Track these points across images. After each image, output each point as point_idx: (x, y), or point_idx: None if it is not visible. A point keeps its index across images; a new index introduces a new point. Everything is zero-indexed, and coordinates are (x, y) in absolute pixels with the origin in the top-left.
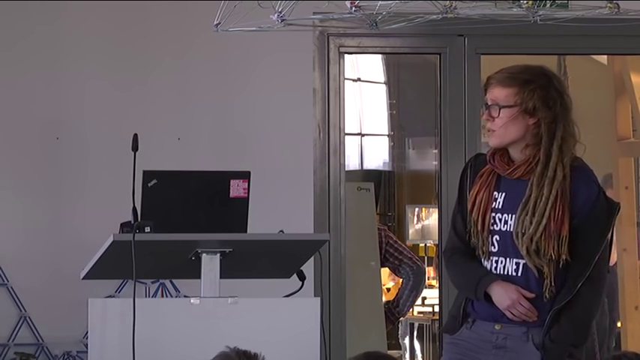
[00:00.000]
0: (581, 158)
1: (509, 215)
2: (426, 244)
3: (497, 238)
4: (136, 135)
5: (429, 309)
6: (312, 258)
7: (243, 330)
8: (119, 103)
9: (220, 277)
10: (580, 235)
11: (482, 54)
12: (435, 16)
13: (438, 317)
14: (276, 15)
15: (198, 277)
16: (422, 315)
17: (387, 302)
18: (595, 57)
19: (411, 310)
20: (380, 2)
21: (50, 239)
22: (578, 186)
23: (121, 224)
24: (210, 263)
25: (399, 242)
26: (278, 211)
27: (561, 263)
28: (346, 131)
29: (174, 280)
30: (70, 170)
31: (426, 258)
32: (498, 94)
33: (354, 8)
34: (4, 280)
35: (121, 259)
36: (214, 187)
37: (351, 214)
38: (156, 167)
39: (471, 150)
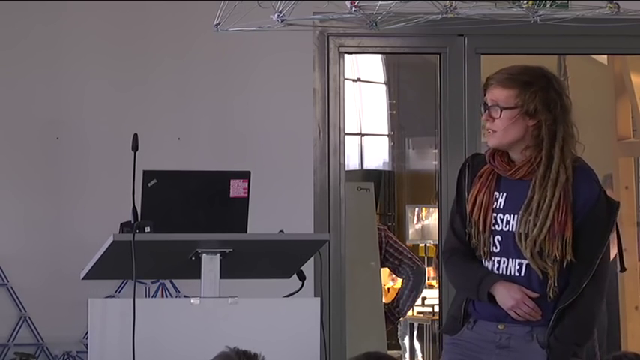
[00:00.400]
0: (581, 158)
1: (511, 215)
2: (426, 244)
3: (499, 239)
4: (136, 135)
5: (429, 309)
6: (312, 258)
7: (243, 330)
8: (119, 103)
9: (220, 277)
10: (582, 234)
11: (483, 54)
12: (435, 16)
13: (438, 317)
14: (276, 15)
15: (198, 277)
16: (422, 315)
17: (387, 302)
18: (595, 57)
19: (411, 310)
20: (380, 2)
21: (50, 239)
22: (579, 186)
23: (121, 224)
24: (210, 263)
25: (399, 242)
26: (278, 211)
27: (565, 263)
28: (346, 131)
29: (174, 280)
30: (70, 170)
31: (425, 258)
32: (498, 95)
33: (354, 8)
34: (4, 280)
35: (121, 259)
36: (214, 187)
37: (351, 214)
38: (156, 167)
39: (471, 150)
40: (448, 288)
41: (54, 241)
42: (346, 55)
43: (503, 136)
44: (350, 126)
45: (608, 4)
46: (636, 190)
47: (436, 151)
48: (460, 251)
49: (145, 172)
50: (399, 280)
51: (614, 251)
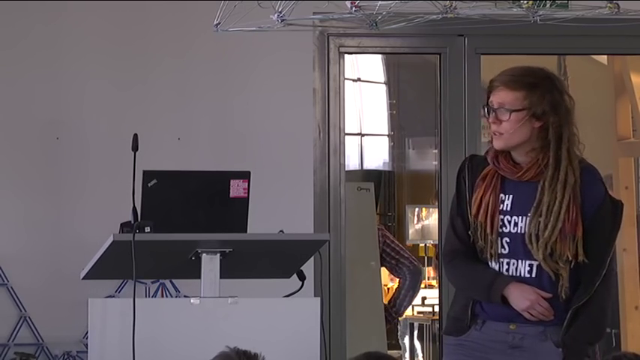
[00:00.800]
0: (584, 159)
1: (519, 217)
2: (426, 244)
3: (508, 240)
4: (135, 135)
5: (429, 309)
6: (312, 258)
7: (243, 330)
8: (119, 103)
9: (220, 277)
10: (592, 234)
11: (483, 54)
12: (435, 16)
13: (438, 317)
14: (276, 15)
15: (198, 277)
16: (422, 315)
17: (384, 302)
18: (595, 57)
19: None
20: (380, 2)
21: (50, 239)
22: (587, 187)
23: (121, 224)
24: (210, 263)
25: (397, 242)
26: (278, 211)
27: (572, 263)
28: (346, 131)
29: (174, 280)
30: (70, 170)
31: (425, 258)
32: (505, 97)
33: (354, 8)
34: (4, 280)
35: (121, 259)
36: (214, 187)
37: (351, 214)
38: (156, 167)
39: (471, 150)
40: (448, 288)
41: (54, 241)
42: (346, 55)
43: (510, 138)
44: (350, 126)
45: (608, 4)
46: (636, 190)
47: (436, 151)
48: (462, 253)
49: (145, 172)
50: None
51: None
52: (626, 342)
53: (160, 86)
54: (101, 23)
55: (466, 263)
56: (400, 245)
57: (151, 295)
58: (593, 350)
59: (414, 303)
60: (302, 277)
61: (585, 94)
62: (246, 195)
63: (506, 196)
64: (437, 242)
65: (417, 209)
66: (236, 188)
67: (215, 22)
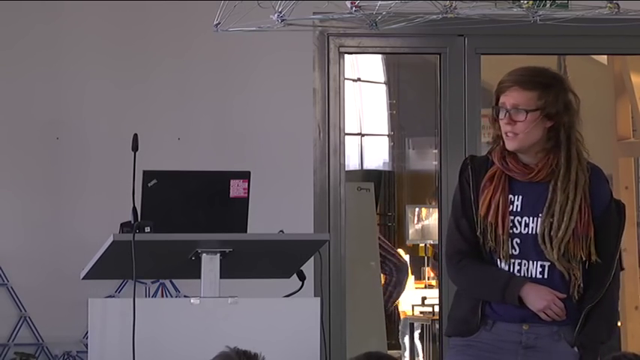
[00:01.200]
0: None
1: (530, 218)
2: (426, 244)
3: (518, 241)
4: (135, 135)
5: (429, 309)
6: (312, 258)
7: (243, 330)
8: (119, 103)
9: (220, 277)
10: (601, 234)
11: (483, 54)
12: (435, 16)
13: (438, 317)
14: (276, 15)
15: (198, 277)
16: (422, 315)
17: None
18: (595, 57)
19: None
20: (380, 2)
21: (50, 239)
22: (595, 188)
23: (121, 224)
24: (210, 263)
25: (383, 239)
26: (278, 211)
27: (587, 264)
28: (346, 131)
29: (174, 280)
30: (70, 170)
31: (425, 258)
32: (519, 97)
33: (354, 8)
34: (4, 280)
35: (121, 259)
36: (214, 187)
37: (351, 214)
38: (156, 167)
39: (471, 150)
40: (448, 288)
41: (54, 241)
42: (346, 55)
43: (525, 138)
44: (350, 126)
45: (608, 4)
46: (636, 190)
47: (436, 151)
48: (469, 254)
49: (145, 172)
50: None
51: None
52: (626, 342)
53: (160, 86)
54: (101, 23)
55: (476, 265)
56: (388, 243)
57: (151, 295)
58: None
59: (413, 303)
60: (302, 277)
61: (585, 94)
62: (246, 195)
63: (515, 196)
64: (437, 242)
65: (417, 209)
66: (236, 188)
67: (215, 22)
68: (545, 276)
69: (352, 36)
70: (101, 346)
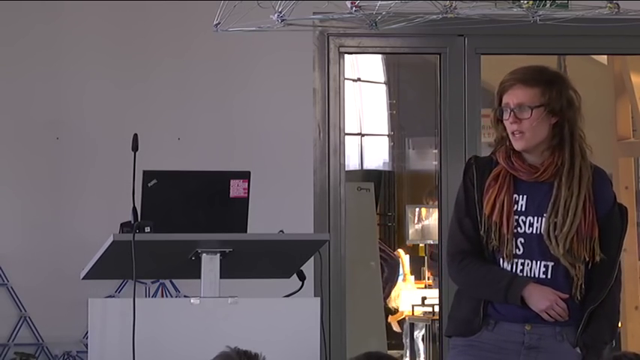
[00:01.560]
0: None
1: (535, 218)
2: (426, 244)
3: (522, 241)
4: (135, 135)
5: (429, 309)
6: (312, 258)
7: (243, 330)
8: (119, 103)
9: (220, 277)
10: (604, 235)
11: (483, 54)
12: (435, 16)
13: (438, 317)
14: (276, 15)
15: (198, 277)
16: (422, 315)
17: None
18: (595, 57)
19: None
20: (380, 2)
21: (50, 239)
22: (599, 188)
23: (121, 224)
24: (210, 263)
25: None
26: (278, 211)
27: (589, 265)
28: (346, 131)
29: (174, 280)
30: (70, 170)
31: (425, 258)
32: (523, 95)
33: (354, 8)
34: (4, 280)
35: (121, 259)
36: (214, 187)
37: (351, 214)
38: (156, 167)
39: (471, 150)
40: (448, 288)
41: (54, 241)
42: (346, 55)
43: (532, 137)
44: (350, 126)
45: (608, 4)
46: (636, 190)
47: (436, 151)
48: (472, 253)
49: (145, 172)
50: None
51: None
52: (626, 342)
53: (160, 86)
54: (101, 23)
55: (477, 264)
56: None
57: (151, 295)
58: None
59: (413, 303)
60: (302, 277)
61: (585, 94)
62: (246, 195)
63: (520, 196)
64: (437, 242)
65: (417, 209)
66: (236, 188)
67: (215, 22)
68: (549, 276)
69: (352, 36)
70: (101, 346)
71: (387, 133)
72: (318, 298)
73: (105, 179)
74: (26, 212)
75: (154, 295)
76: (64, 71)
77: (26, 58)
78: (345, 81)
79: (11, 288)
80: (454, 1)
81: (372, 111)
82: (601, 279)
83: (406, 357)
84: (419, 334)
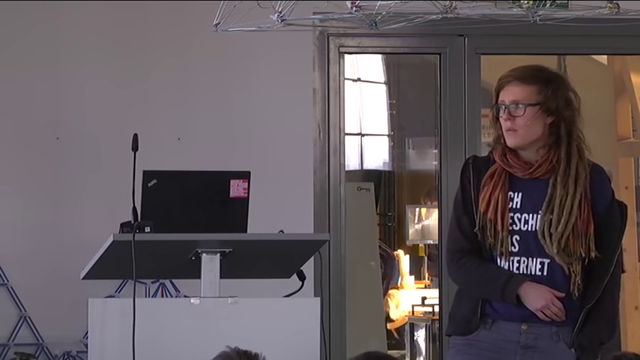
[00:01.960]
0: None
1: (530, 215)
2: (426, 244)
3: (518, 238)
4: (135, 135)
5: (429, 309)
6: (312, 258)
7: (243, 330)
8: (119, 103)
9: (220, 277)
10: (601, 232)
11: (483, 54)
12: (435, 16)
13: (438, 317)
14: (276, 15)
15: (198, 277)
16: (422, 315)
17: None
18: (595, 57)
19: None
20: (380, 2)
21: (50, 239)
22: (597, 185)
23: (121, 224)
24: (210, 263)
25: None
26: (278, 211)
27: (586, 261)
28: (346, 131)
29: (174, 280)
30: (70, 170)
31: (425, 258)
32: (519, 92)
33: (354, 8)
34: (4, 280)
35: (121, 259)
36: (214, 187)
37: (351, 214)
38: (156, 167)
39: (471, 150)
40: (448, 288)
41: (54, 241)
42: (346, 55)
43: (525, 134)
44: (350, 126)
45: (608, 4)
46: (636, 190)
47: (436, 151)
48: (470, 252)
49: (145, 172)
50: None
51: None
52: (626, 342)
53: (160, 86)
54: (101, 23)
55: (475, 262)
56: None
57: (151, 295)
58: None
59: (413, 303)
60: (302, 277)
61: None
62: (246, 195)
63: (515, 193)
64: (437, 242)
65: (417, 209)
66: (236, 188)
67: (215, 22)
68: (545, 273)
69: (352, 36)
70: (101, 346)
71: (387, 133)
72: (318, 298)
73: (105, 179)
74: (26, 212)
75: (154, 295)
76: (64, 71)
77: (26, 58)
78: (345, 81)
79: (11, 288)
80: (454, 1)
81: (372, 111)
82: (597, 276)
83: (407, 357)
84: (419, 334)
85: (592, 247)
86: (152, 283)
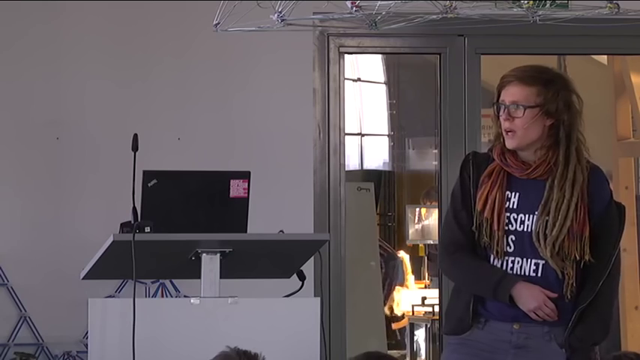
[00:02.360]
0: (589, 160)
1: (526, 215)
2: (426, 244)
3: (513, 238)
4: (135, 135)
5: (429, 309)
6: (312, 258)
7: (243, 330)
8: (119, 103)
9: (220, 277)
10: (598, 235)
11: (483, 54)
12: (435, 16)
13: (438, 317)
14: (276, 15)
15: (198, 277)
16: (422, 315)
17: None
18: (595, 57)
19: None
20: (380, 2)
21: (50, 239)
22: (594, 187)
23: (121, 224)
24: (210, 263)
25: None
26: (278, 211)
27: (582, 263)
28: (346, 131)
29: (174, 280)
30: (70, 170)
31: (425, 258)
32: (519, 93)
33: (354, 8)
34: (4, 280)
35: (121, 259)
36: (214, 187)
37: (351, 214)
38: (156, 167)
39: (471, 150)
40: (448, 288)
41: (54, 241)
42: (346, 55)
43: (524, 136)
44: (350, 126)
45: (608, 4)
46: (636, 190)
47: (436, 151)
48: (465, 248)
49: (145, 172)
50: None
51: None
52: (626, 342)
53: (160, 86)
54: (101, 22)
55: (469, 258)
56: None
57: (151, 295)
58: (593, 350)
59: (413, 303)
60: (302, 277)
61: (585, 94)
62: (246, 195)
63: (512, 193)
64: (437, 242)
65: (417, 209)
66: (236, 188)
67: (215, 22)
68: (539, 274)
69: (352, 36)
70: (101, 346)
71: (387, 133)
72: (318, 298)
73: (105, 179)
74: (26, 212)
75: (154, 295)
76: (64, 71)
77: (26, 57)
78: (345, 81)
79: (11, 288)
80: (454, 1)
81: (372, 111)
82: (593, 278)
83: (407, 357)
84: (419, 334)
85: (586, 251)
86: (152, 283)
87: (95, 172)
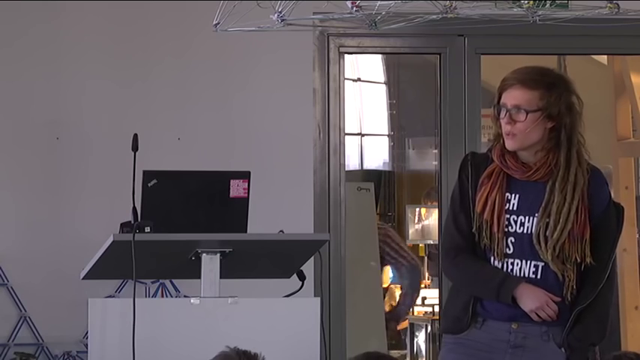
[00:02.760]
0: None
1: (526, 217)
2: (426, 244)
3: (513, 240)
4: (135, 135)
5: (429, 309)
6: (312, 258)
7: (243, 330)
8: (119, 103)
9: (220, 277)
10: (597, 237)
11: (483, 54)
12: (435, 16)
13: (438, 317)
14: (276, 15)
15: (198, 277)
16: (422, 315)
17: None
18: (595, 57)
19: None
20: (380, 2)
21: (50, 239)
22: (594, 190)
23: (121, 224)
24: (210, 263)
25: (397, 241)
26: (278, 211)
27: (582, 266)
28: (346, 131)
29: (174, 280)
30: (70, 170)
31: (425, 258)
32: (521, 97)
33: (354, 8)
34: (4, 280)
35: (121, 259)
36: (214, 187)
37: (351, 214)
38: (156, 167)
39: (471, 150)
40: (448, 288)
41: (54, 241)
42: (346, 55)
43: (524, 139)
44: (350, 126)
45: (608, 4)
46: (636, 190)
47: (436, 151)
48: (466, 250)
49: (145, 172)
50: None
51: None
52: (626, 342)
53: (160, 85)
54: (101, 22)
55: (471, 261)
56: (400, 245)
57: (151, 295)
58: (593, 350)
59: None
60: (302, 277)
61: (585, 94)
62: (246, 195)
63: (512, 195)
64: (437, 242)
65: (417, 209)
66: (236, 188)
67: (214, 22)
68: (539, 276)
69: (352, 36)
70: (101, 346)
71: (387, 133)
72: (318, 298)
73: (105, 179)
74: (26, 212)
75: (154, 295)
76: (64, 71)
77: (26, 57)
78: (345, 81)
79: (11, 288)
80: (454, 1)
81: (372, 111)
82: (591, 280)
83: (407, 357)
84: (419, 334)
85: (587, 253)
86: (152, 283)
87: (95, 172)
